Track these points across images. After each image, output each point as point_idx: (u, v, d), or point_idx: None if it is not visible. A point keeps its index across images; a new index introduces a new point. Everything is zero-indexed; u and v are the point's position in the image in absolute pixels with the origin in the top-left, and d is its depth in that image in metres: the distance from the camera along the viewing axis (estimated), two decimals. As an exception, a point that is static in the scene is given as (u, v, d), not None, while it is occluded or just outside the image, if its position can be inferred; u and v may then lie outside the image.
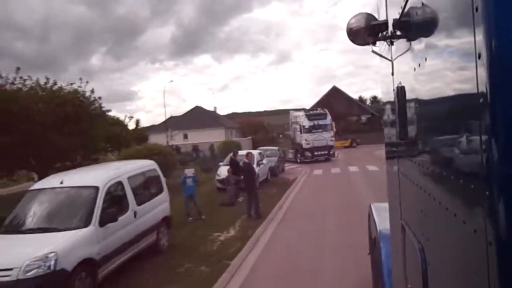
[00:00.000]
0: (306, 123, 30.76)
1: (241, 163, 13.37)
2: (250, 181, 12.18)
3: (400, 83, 2.40)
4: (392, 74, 2.75)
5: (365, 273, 5.77)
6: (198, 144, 40.82)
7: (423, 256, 1.98)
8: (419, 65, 1.85)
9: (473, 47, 1.11)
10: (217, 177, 17.79)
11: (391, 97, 2.77)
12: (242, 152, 17.36)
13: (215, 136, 47.09)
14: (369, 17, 2.70)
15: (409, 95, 2.21)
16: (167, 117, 56.91)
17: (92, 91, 15.55)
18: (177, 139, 47.98)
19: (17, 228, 6.61)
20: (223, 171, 17.02)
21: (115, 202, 7.19)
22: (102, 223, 6.55)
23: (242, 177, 12.58)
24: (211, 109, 70.90)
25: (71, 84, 15.16)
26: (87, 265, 6.09)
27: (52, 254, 5.60)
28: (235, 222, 11.42)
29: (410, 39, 2.10)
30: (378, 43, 2.85)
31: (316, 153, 30.02)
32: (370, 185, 15.67)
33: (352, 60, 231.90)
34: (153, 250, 8.48)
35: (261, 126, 69.29)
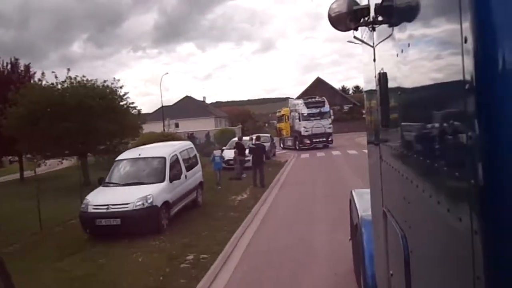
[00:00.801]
0: (305, 111, 31.27)
1: (250, 144, 17.04)
2: (260, 157, 15.83)
3: (382, 69, 2.37)
4: (374, 60, 2.73)
5: (342, 212, 9.36)
6: (193, 132, 44.13)
7: (405, 244, 1.96)
8: (402, 50, 1.82)
9: (459, 31, 1.08)
10: (222, 159, 21.23)
11: (372, 84, 2.73)
12: (234, 139, 21.18)
13: (205, 125, 50.39)
14: (351, 2, 2.58)
15: (391, 82, 2.19)
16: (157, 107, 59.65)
17: (121, 87, 18.82)
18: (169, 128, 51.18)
19: (116, 182, 10.07)
20: (227, 153, 20.47)
21: (175, 168, 10.66)
22: (171, 180, 10.04)
23: (252, 155, 16.12)
24: (199, 98, 73.84)
25: (105, 81, 18.40)
26: (166, 205, 9.59)
27: (149, 196, 9.10)
28: (245, 189, 14.98)
29: (392, 24, 2.06)
30: (360, 28, 2.77)
31: (314, 140, 30.73)
32: (349, 165, 19.44)
33: (337, 49, 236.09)
34: (194, 205, 11.97)
35: (248, 116, 72.96)
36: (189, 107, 65.69)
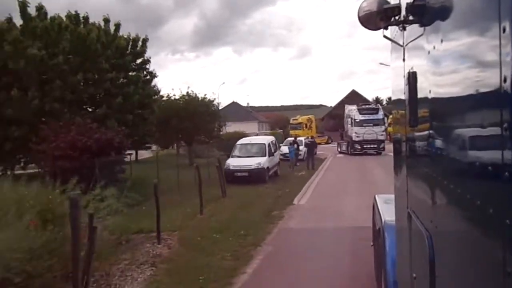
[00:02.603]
0: (358, 117, 32.18)
1: (306, 141, 25.19)
2: (312, 150, 23.96)
3: (411, 68, 2.37)
4: (403, 60, 2.72)
5: (360, 182, 17.09)
6: (258, 133, 52.54)
7: (431, 244, 1.95)
8: (434, 47, 1.81)
9: (498, 29, 1.05)
10: (281, 152, 29.34)
11: (401, 83, 2.71)
12: (289, 138, 29.24)
13: (250, 128, 58.74)
14: (382, 0, 2.53)
15: (421, 81, 2.18)
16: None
17: (214, 100, 27.28)
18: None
19: (239, 155, 18.27)
20: (284, 149, 28.44)
21: (270, 149, 18.77)
22: (269, 155, 18.16)
23: (307, 148, 24.18)
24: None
25: (205, 95, 26.91)
26: (267, 168, 17.72)
27: (260, 162, 17.29)
28: (302, 170, 22.90)
29: (424, 23, 2.04)
30: (390, 28, 2.73)
31: (365, 146, 31.55)
32: (377, 162, 27.04)
33: (373, 57, 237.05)
34: (275, 175, 19.95)
35: (287, 121, 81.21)
36: (236, 111, 74.25)
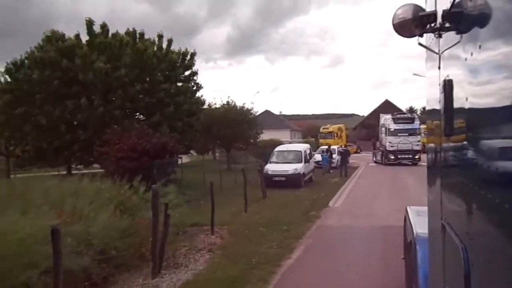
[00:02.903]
0: (392, 126, 31.56)
1: (340, 149, 26.25)
2: (345, 158, 25.02)
3: (447, 76, 2.34)
4: (439, 68, 2.69)
5: (390, 187, 17.96)
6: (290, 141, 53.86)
7: (466, 257, 1.90)
8: (471, 54, 1.78)
9: None
10: (314, 160, 30.43)
11: (436, 92, 2.69)
12: (323, 147, 30.32)
13: (282, 136, 59.97)
14: (417, 8, 2.54)
15: (457, 89, 2.16)
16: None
17: (251, 109, 28.80)
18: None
19: (277, 161, 19.59)
20: (317, 157, 29.50)
21: (305, 156, 19.98)
22: (305, 162, 19.38)
23: (340, 156, 25.23)
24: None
25: (244, 103, 28.45)
26: (303, 174, 18.93)
27: (296, 168, 18.56)
28: (335, 177, 23.92)
29: (461, 30, 2.02)
30: (425, 35, 2.73)
31: (399, 156, 31.00)
32: (409, 172, 27.68)
33: (408, 66, 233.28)
34: (310, 180, 21.11)
35: (318, 130, 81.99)
36: (268, 119, 75.72)
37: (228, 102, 27.43)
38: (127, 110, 16.96)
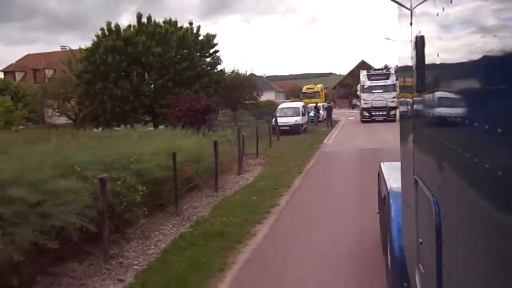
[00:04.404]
0: (367, 83, 30.88)
1: (325, 105, 32.96)
2: (330, 112, 31.85)
3: (419, 32, 2.33)
4: (411, 24, 2.68)
5: (363, 130, 24.76)
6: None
7: (437, 209, 1.96)
8: (443, 9, 1.77)
9: None
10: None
11: (408, 48, 2.70)
12: (311, 104, 36.99)
13: (268, 98, 66.03)
14: None
15: (428, 44, 2.14)
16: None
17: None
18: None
19: (281, 115, 26.17)
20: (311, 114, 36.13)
21: (302, 111, 26.62)
22: (302, 115, 26.08)
23: (326, 111, 31.97)
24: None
25: (252, 69, 34.50)
26: (301, 124, 25.67)
27: (297, 120, 25.33)
28: (323, 128, 30.65)
29: None
30: None
31: (373, 113, 30.45)
32: (384, 125, 34.65)
33: (385, 27, 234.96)
34: (305, 130, 27.76)
35: (300, 91, 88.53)
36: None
37: (233, 70, 33.62)
38: (176, 81, 22.95)
